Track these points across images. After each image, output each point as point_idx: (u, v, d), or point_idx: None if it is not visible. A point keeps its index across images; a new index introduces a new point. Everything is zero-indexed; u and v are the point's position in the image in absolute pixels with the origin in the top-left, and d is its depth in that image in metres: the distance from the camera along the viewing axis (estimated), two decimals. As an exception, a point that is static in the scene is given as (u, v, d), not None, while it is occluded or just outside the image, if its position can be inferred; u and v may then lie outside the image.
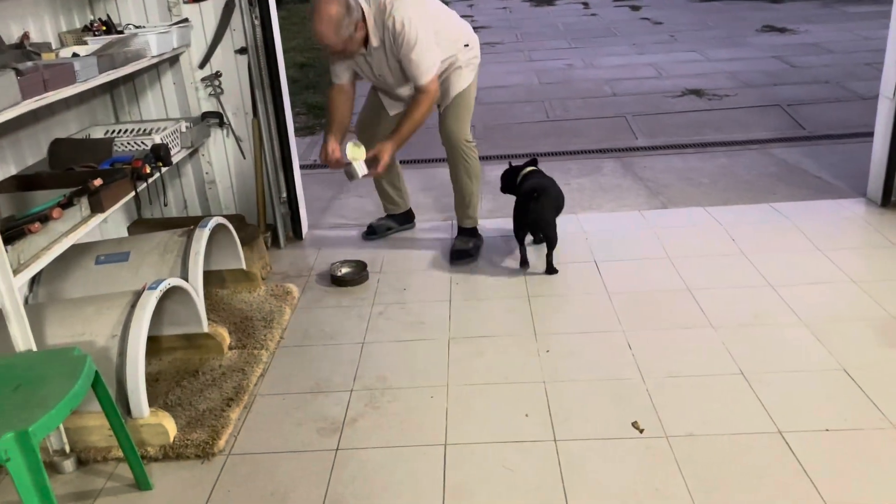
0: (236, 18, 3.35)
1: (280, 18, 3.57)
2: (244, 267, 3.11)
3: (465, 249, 3.40)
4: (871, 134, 3.74)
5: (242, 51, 3.40)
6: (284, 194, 3.66)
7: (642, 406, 2.30)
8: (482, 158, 4.93)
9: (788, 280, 3.01)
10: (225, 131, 3.54)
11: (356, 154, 3.07)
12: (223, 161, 3.60)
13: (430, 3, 3.13)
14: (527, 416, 2.29)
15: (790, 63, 7.10)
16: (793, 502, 1.88)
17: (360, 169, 3.05)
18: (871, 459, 2.02)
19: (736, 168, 4.49)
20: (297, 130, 5.56)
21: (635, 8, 11.05)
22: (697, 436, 2.15)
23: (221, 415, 2.33)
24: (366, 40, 3.01)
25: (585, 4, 11.79)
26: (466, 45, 3.28)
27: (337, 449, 2.20)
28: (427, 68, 3.00)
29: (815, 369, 2.43)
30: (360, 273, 3.27)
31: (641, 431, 2.18)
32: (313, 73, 7.94)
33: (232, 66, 3.44)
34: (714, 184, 4.26)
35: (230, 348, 2.70)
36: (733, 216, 3.70)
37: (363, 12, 2.94)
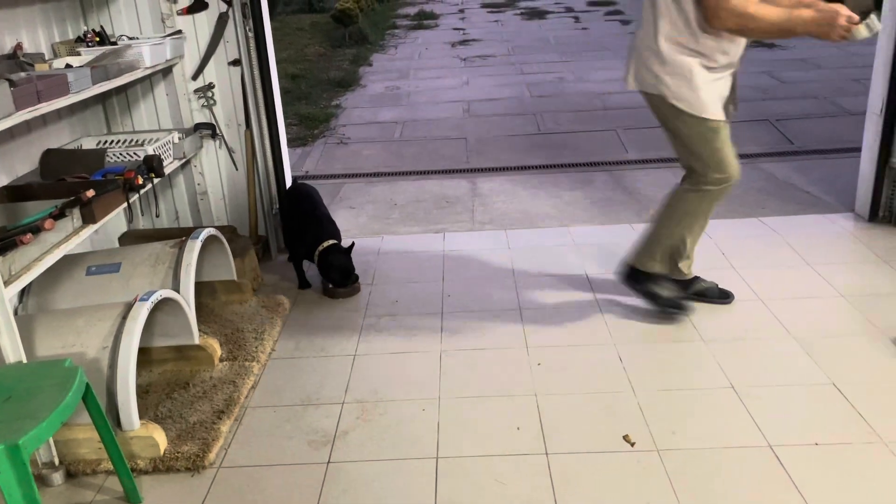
0: (230, 30, 3.36)
1: (272, 30, 3.59)
2: (236, 278, 3.11)
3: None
4: (858, 149, 3.78)
5: (235, 62, 3.41)
6: (276, 206, 3.66)
7: (634, 419, 2.31)
8: (473, 171, 5.03)
9: (778, 294, 3.03)
10: (217, 143, 3.54)
11: None
12: (215, 172, 3.60)
13: None
14: (518, 429, 2.29)
15: (779, 78, 7.17)
16: (783, 516, 1.89)
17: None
18: (860, 473, 2.03)
19: (725, 182, 4.53)
20: (289, 142, 5.59)
21: (625, 22, 11.15)
22: (688, 449, 2.16)
23: (212, 427, 2.32)
24: None
25: (576, 18, 11.88)
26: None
27: (328, 462, 2.19)
28: None
29: (804, 383, 2.44)
30: (351, 284, 3.27)
31: (633, 445, 2.19)
32: (305, 83, 7.97)
33: (225, 78, 3.45)
34: (704, 198, 4.28)
35: (221, 360, 2.69)
36: (723, 230, 3.72)
37: None
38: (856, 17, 2.29)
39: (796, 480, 2.00)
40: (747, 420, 2.27)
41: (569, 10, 12.75)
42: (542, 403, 2.41)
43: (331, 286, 3.25)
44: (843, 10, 2.30)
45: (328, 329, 2.98)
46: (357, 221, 4.17)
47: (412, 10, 13.22)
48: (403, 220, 4.16)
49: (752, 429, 2.22)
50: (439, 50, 9.81)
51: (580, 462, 2.13)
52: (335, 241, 3.27)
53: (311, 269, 3.37)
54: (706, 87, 2.54)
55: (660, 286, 2.90)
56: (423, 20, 12.17)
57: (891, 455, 2.08)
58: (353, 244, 3.32)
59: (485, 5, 13.78)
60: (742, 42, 2.58)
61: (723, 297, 3.03)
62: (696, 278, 3.02)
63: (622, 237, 3.74)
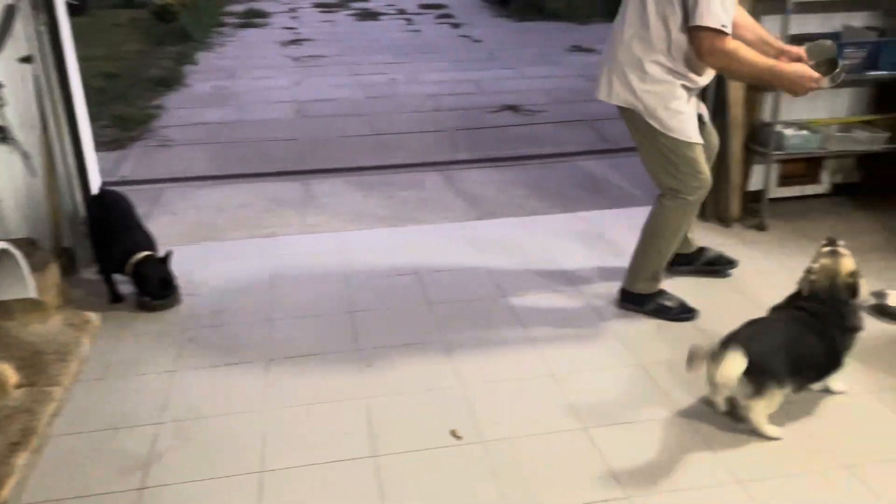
0: (20, 24, 3.04)
1: (84, 25, 3.31)
2: (34, 295, 2.82)
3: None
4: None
5: (27, 59, 3.10)
6: (83, 215, 3.37)
7: (461, 413, 2.35)
8: (305, 173, 4.93)
9: (595, 285, 3.21)
10: (9, 147, 3.20)
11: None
12: (8, 180, 3.24)
13: None
14: (347, 434, 2.26)
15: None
16: (597, 495, 2.00)
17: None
18: (666, 447, 2.20)
19: (548, 180, 4.75)
20: (104, 144, 5.19)
21: (456, 25, 11.41)
22: (512, 438, 2.23)
23: (5, 462, 2.08)
24: None
25: (408, 20, 12.00)
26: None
27: (142, 488, 2.04)
28: None
29: (617, 366, 2.61)
30: (170, 295, 3.08)
31: (460, 439, 2.23)
32: (122, 83, 7.43)
33: (16, 77, 3.12)
34: (529, 195, 4.47)
35: (17, 387, 2.43)
36: (545, 225, 3.90)
37: None
38: (824, 81, 2.54)
39: (609, 460, 2.13)
40: (565, 405, 2.38)
41: (401, 12, 12.84)
42: (372, 405, 2.40)
43: (147, 299, 3.04)
44: (813, 73, 2.53)
45: (144, 345, 2.79)
46: (179, 229, 3.94)
47: (240, 8, 12.72)
48: (230, 226, 3.99)
49: (570, 413, 2.34)
50: (270, 49, 9.54)
51: (408, 461, 2.14)
52: (149, 252, 3.06)
53: (127, 282, 3.14)
54: (684, 109, 2.64)
55: (663, 298, 2.95)
56: (253, 18, 11.76)
57: (690, 428, 2.27)
58: (170, 253, 3.13)
59: (317, 5, 13.56)
60: (702, 75, 2.68)
61: (729, 263, 3.23)
62: (701, 249, 3.25)
63: (453, 235, 3.83)
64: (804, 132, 3.63)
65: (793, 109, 3.60)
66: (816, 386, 2.37)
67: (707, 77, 2.72)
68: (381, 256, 3.54)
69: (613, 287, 3.17)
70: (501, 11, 12.43)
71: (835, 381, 2.39)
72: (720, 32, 2.46)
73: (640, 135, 2.74)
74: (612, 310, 2.98)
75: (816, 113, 3.74)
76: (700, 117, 2.84)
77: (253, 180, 4.77)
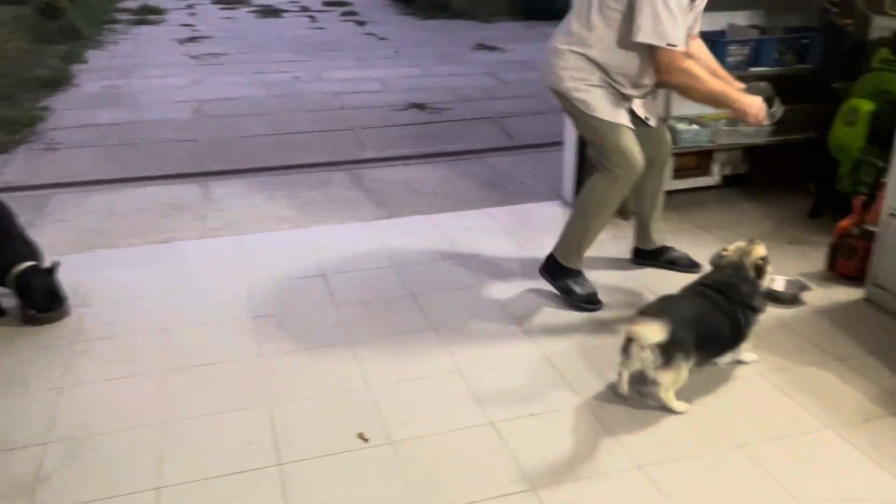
0: None
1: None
2: None
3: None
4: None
5: None
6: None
7: (369, 416, 2.32)
8: (205, 174, 4.76)
9: (499, 278, 3.25)
10: None
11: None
12: None
13: None
14: (250, 443, 2.19)
15: (500, 79, 7.74)
16: (505, 489, 2.02)
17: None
18: (569, 437, 2.24)
19: (455, 177, 4.77)
20: (-19, 149, 4.86)
21: (361, 23, 11.31)
22: (419, 437, 2.22)
23: None
24: None
25: (312, 18, 11.80)
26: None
27: (27, 514, 1.92)
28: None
29: (523, 358, 2.64)
30: (58, 308, 2.90)
31: (367, 441, 2.20)
32: (5, 83, 6.97)
33: None
34: (436, 192, 4.48)
35: None
36: (452, 222, 3.91)
37: None
38: (762, 118, 2.71)
39: (515, 452, 2.16)
40: (472, 401, 2.39)
41: (304, 9, 12.63)
42: (276, 413, 2.33)
43: (33, 312, 2.86)
44: (763, 105, 2.69)
45: (29, 361, 2.62)
46: (68, 236, 3.72)
47: (134, 4, 12.18)
48: (124, 232, 3.80)
49: (476, 408, 2.35)
50: (166, 47, 9.18)
51: (314, 467, 2.09)
52: (33, 263, 2.88)
53: (10, 295, 2.94)
54: (604, 90, 2.76)
55: (575, 282, 2.99)
56: (147, 15, 11.28)
57: (592, 417, 2.32)
58: (57, 263, 2.95)
59: (216, 1, 13.14)
60: (648, 81, 2.82)
61: (692, 266, 3.23)
62: (668, 247, 3.29)
63: (361, 235, 3.78)
64: (695, 127, 3.79)
65: (684, 106, 3.75)
66: (726, 359, 2.52)
67: (639, 92, 2.85)
68: (285, 259, 3.46)
69: (518, 282, 3.22)
70: (406, 9, 12.42)
71: (745, 353, 2.55)
72: (677, 50, 2.58)
73: (568, 114, 2.92)
74: (518, 304, 3.02)
75: (706, 108, 3.91)
76: (647, 119, 2.96)
77: (148, 183, 4.57)
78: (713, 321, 2.38)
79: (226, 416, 2.32)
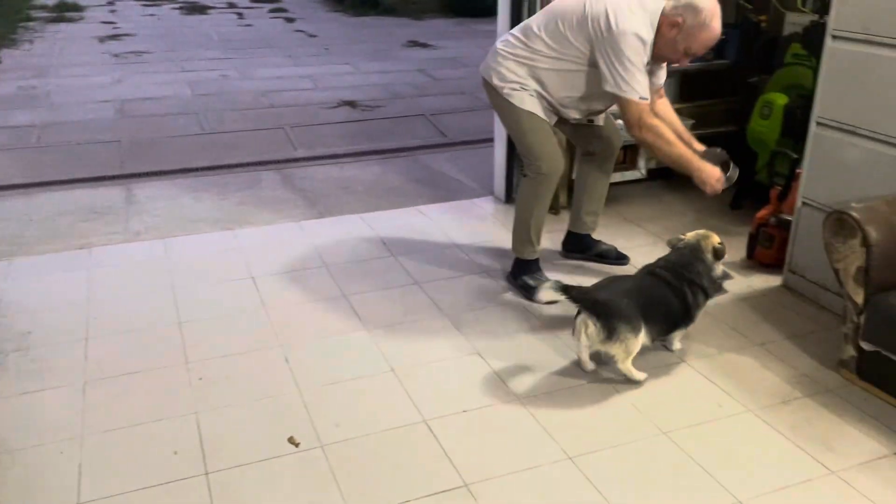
0: None
1: None
2: None
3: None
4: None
5: None
6: None
7: (299, 419, 2.29)
8: (128, 177, 4.61)
9: (431, 276, 3.24)
10: None
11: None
12: None
13: None
14: (176, 453, 2.13)
15: (432, 76, 7.74)
16: (438, 486, 2.02)
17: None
18: (501, 431, 2.25)
19: (388, 175, 4.74)
20: None
21: (290, 20, 11.14)
22: (352, 439, 2.20)
23: None
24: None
25: (240, 14, 11.55)
26: None
27: (-66, 540, 1.81)
28: None
29: (453, 356, 2.65)
30: (-31, 320, 2.77)
31: (297, 445, 2.17)
32: None
33: None
34: (368, 191, 4.44)
35: None
36: (385, 221, 3.89)
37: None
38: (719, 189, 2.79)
39: (447, 449, 2.16)
40: (405, 400, 2.39)
41: (231, 5, 12.35)
42: (203, 420, 2.27)
43: (-60, 325, 2.72)
44: (721, 175, 2.78)
45: (-64, 377, 2.48)
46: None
47: (51, 2, 11.68)
48: (41, 238, 3.64)
49: (410, 407, 2.35)
50: (86, 45, 8.83)
51: (243, 475, 2.05)
52: None
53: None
54: (533, 98, 2.84)
55: (532, 278, 3.06)
56: (65, 12, 10.83)
57: (524, 410, 2.34)
58: None
59: (139, -3, 12.76)
60: (578, 115, 2.96)
61: (620, 258, 3.33)
62: (597, 241, 3.39)
63: (291, 236, 3.72)
64: (620, 121, 3.86)
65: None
66: (677, 345, 2.64)
67: (571, 115, 2.94)
68: (213, 262, 3.38)
69: (452, 279, 3.23)
70: (336, 6, 12.31)
71: (675, 341, 2.64)
72: (644, 106, 2.67)
73: (496, 107, 3.00)
74: (450, 301, 3.02)
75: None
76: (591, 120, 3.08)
77: (68, 187, 4.39)
78: (659, 296, 2.49)
79: (150, 427, 2.25)
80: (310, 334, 2.78)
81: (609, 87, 2.69)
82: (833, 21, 2.73)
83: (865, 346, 2.37)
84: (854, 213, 2.34)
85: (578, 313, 2.40)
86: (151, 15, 11.32)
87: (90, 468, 2.06)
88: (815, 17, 3.46)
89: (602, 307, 2.35)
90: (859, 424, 2.27)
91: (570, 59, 2.77)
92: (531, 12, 3.54)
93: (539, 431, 2.24)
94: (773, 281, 3.17)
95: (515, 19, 3.62)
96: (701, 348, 2.68)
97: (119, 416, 2.29)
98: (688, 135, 2.95)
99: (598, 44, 2.67)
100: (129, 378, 2.49)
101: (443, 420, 2.28)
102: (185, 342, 2.71)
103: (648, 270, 2.60)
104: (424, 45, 9.30)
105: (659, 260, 2.64)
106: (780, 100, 3.56)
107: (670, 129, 2.83)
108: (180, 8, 11.95)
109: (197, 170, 4.79)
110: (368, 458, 2.12)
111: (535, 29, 2.82)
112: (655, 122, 2.74)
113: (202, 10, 11.84)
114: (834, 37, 2.74)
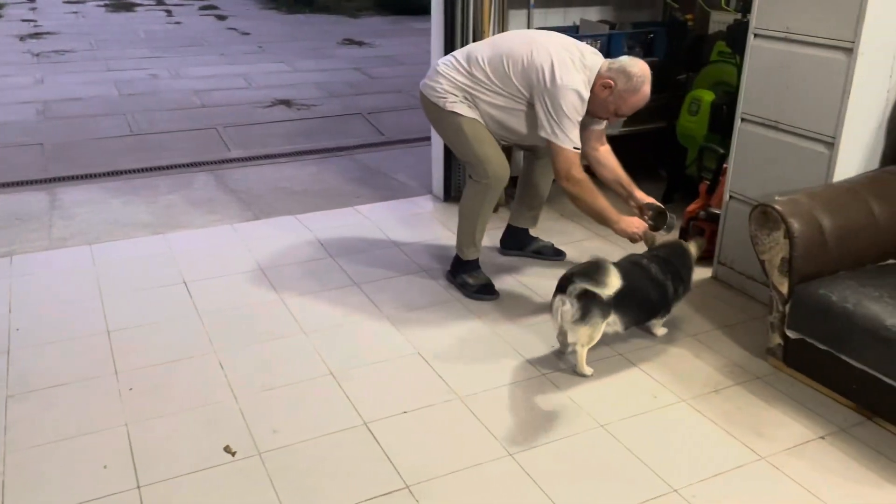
0: None
1: None
2: None
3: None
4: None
5: None
6: None
7: (235, 427, 2.24)
8: (51, 181, 4.42)
9: (371, 277, 3.21)
10: None
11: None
12: None
13: None
14: (106, 467, 2.05)
15: (369, 74, 7.68)
16: (379, 488, 2.00)
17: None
18: (442, 430, 2.25)
19: (325, 175, 4.68)
20: None
21: (221, 17, 10.89)
22: (291, 445, 2.16)
23: None
24: None
25: (168, 12, 11.22)
26: None
27: None
28: None
29: (393, 357, 2.63)
30: None
31: (234, 454, 2.11)
32: None
33: None
34: (305, 191, 4.38)
35: None
36: (322, 222, 3.84)
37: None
38: (648, 234, 2.85)
39: (388, 450, 2.14)
40: (345, 403, 2.36)
41: (160, 2, 11.99)
42: (134, 432, 2.20)
43: None
44: (641, 223, 2.86)
45: None
46: None
47: (-34, -3, 11.15)
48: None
49: (349, 410, 2.32)
50: (4, 44, 8.44)
51: (177, 487, 1.99)
52: None
53: None
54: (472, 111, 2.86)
55: (469, 275, 3.08)
56: (-18, 9, 10.37)
57: (464, 409, 2.34)
58: None
59: (62, -6, 12.26)
60: (512, 141, 3.03)
61: (557, 254, 3.38)
62: (535, 238, 3.43)
63: (225, 239, 3.64)
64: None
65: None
66: (660, 330, 2.74)
67: (503, 135, 2.96)
68: (142, 268, 3.27)
69: (391, 279, 3.21)
70: (270, 3, 12.10)
71: (658, 328, 2.74)
72: (575, 158, 2.72)
73: (434, 121, 3.02)
74: (389, 303, 3.00)
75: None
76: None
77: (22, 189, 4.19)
78: (638, 284, 2.54)
79: (78, 441, 2.16)
80: (245, 339, 2.72)
81: (544, 134, 2.74)
82: (755, 20, 2.82)
83: (791, 334, 2.46)
84: (777, 206, 2.42)
85: (556, 293, 2.42)
86: (74, 13, 10.90)
87: (13, 486, 1.97)
88: (739, 16, 3.56)
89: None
90: (787, 410, 2.36)
91: (510, 97, 2.81)
92: (464, 11, 3.56)
93: (480, 429, 2.24)
94: (703, 273, 3.25)
95: (449, 18, 3.62)
96: (636, 341, 2.73)
97: (45, 431, 2.19)
98: (628, 180, 2.99)
99: (538, 92, 2.72)
100: (54, 391, 2.39)
101: (383, 422, 2.26)
102: (115, 351, 2.62)
103: (635, 261, 2.67)
104: (360, 44, 9.23)
105: (650, 249, 2.78)
106: (708, 96, 3.66)
107: (612, 175, 2.96)
108: (105, 5, 11.55)
109: (125, 172, 4.63)
110: (308, 463, 2.09)
111: (479, 60, 2.82)
112: (583, 176, 2.79)
113: (128, 7, 11.47)
114: (756, 35, 2.83)
